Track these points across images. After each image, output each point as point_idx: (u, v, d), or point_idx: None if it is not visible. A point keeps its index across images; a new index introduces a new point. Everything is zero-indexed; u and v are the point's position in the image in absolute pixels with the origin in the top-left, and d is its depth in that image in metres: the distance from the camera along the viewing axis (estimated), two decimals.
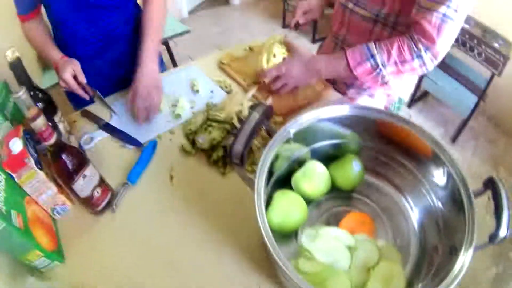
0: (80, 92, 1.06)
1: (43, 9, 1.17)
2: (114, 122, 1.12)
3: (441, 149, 0.73)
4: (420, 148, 0.78)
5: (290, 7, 3.62)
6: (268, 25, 3.91)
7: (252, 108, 0.70)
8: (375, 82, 1.02)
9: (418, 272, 0.73)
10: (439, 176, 0.76)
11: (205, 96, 1.20)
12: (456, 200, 0.69)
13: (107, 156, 1.03)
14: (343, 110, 0.80)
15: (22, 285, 0.78)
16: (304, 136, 0.81)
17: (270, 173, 0.76)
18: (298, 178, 0.83)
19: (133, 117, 1.12)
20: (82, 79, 1.05)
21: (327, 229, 0.76)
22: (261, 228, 0.62)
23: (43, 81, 1.93)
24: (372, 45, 0.98)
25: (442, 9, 0.87)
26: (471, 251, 0.60)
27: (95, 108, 1.16)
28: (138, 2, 1.31)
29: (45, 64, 1.99)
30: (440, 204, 0.76)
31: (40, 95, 0.90)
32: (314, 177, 0.83)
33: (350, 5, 1.11)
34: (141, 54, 1.13)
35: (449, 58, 2.42)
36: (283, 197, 0.78)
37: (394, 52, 0.95)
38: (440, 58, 0.95)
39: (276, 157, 0.76)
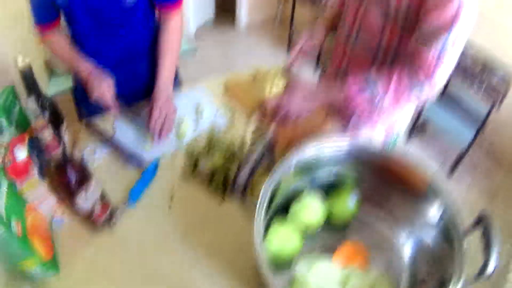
0: (112, 106, 1.10)
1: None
2: (117, 136, 1.13)
3: (438, 182, 0.77)
4: (417, 181, 0.81)
5: (296, 31, 3.67)
6: (273, 50, 3.95)
7: (256, 140, 0.76)
8: (372, 112, 1.04)
9: None
10: (434, 209, 0.79)
11: (208, 120, 1.22)
12: (448, 235, 0.72)
13: (109, 171, 1.04)
14: (342, 143, 0.85)
15: None
16: (303, 167, 0.84)
17: (270, 201, 0.77)
18: (296, 209, 0.86)
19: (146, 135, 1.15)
20: (113, 97, 1.10)
21: (320, 261, 0.80)
22: (258, 257, 0.64)
23: (50, 87, 1.95)
24: (372, 73, 0.99)
25: (442, 39, 0.89)
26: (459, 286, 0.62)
27: (101, 121, 1.18)
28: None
29: (52, 71, 2.01)
30: (432, 239, 0.79)
31: (47, 104, 0.92)
32: (311, 209, 0.86)
33: (351, 40, 1.15)
34: (157, 83, 1.18)
35: (449, 89, 2.46)
36: (280, 228, 0.81)
37: (394, 80, 0.96)
38: (437, 88, 0.96)
39: (277, 185, 0.78)
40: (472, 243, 0.68)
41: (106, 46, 1.21)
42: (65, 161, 0.78)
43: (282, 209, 0.86)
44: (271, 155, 0.79)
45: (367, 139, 0.89)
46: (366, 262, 0.83)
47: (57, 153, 0.75)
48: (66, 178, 0.78)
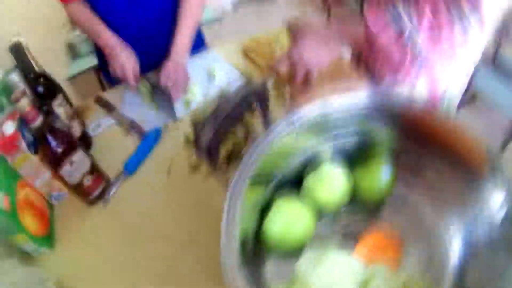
0: (132, 82, 1.07)
1: None
2: (125, 109, 1.09)
3: (499, 165, 0.52)
4: (471, 159, 0.57)
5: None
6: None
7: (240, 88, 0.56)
8: (405, 54, 0.79)
9: None
10: (496, 198, 0.54)
11: (221, 84, 1.10)
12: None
13: (111, 144, 0.99)
14: (371, 97, 0.62)
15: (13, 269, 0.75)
16: (319, 128, 0.64)
17: (271, 174, 0.63)
18: (310, 183, 0.66)
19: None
20: (136, 72, 1.08)
21: (334, 254, 0.59)
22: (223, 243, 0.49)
23: (70, 69, 1.99)
24: (398, 3, 0.76)
25: None
26: None
27: (110, 93, 1.15)
28: None
29: (75, 53, 2.05)
30: (492, 239, 0.55)
31: (41, 79, 0.88)
32: (331, 183, 0.65)
33: None
34: (173, 48, 1.13)
35: (499, 56, 2.17)
36: (285, 206, 0.63)
37: (428, 12, 0.72)
38: (489, 24, 0.72)
39: (279, 153, 0.61)
40: None
41: (130, 15, 1.16)
42: (48, 131, 0.73)
43: (293, 184, 0.67)
44: (264, 109, 0.60)
45: (405, 91, 0.69)
46: (399, 257, 0.61)
47: (37, 123, 0.70)
48: (49, 148, 0.73)
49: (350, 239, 0.64)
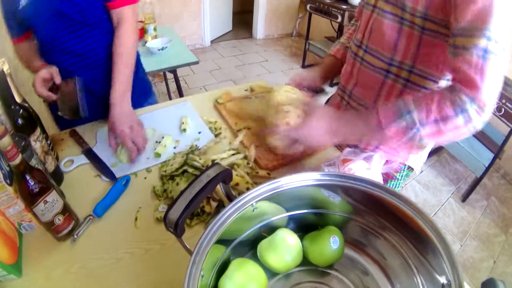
0: (45, 94, 1.08)
1: None
2: (97, 149, 1.11)
3: (440, 239, 0.59)
4: (416, 231, 0.64)
5: (311, 46, 3.65)
6: (288, 64, 3.94)
7: (209, 166, 0.62)
8: (410, 146, 0.88)
9: None
10: (434, 270, 0.62)
11: (191, 137, 1.15)
12: None
13: (82, 183, 1.01)
14: (329, 178, 0.70)
15: None
16: (281, 199, 0.72)
17: (230, 236, 0.69)
18: (262, 247, 0.73)
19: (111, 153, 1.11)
20: (57, 79, 1.09)
21: None
22: None
23: None
24: (408, 100, 0.81)
25: (482, 42, 0.71)
26: None
27: (83, 130, 1.17)
28: None
29: None
30: None
31: (20, 111, 0.90)
32: (282, 249, 0.72)
33: (361, 53, 1.04)
34: (112, 95, 1.11)
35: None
36: (240, 267, 0.68)
37: (434, 107, 0.77)
38: (488, 110, 0.75)
39: (241, 220, 0.67)
40: None
41: (72, 46, 1.19)
42: (26, 170, 0.76)
43: (249, 244, 0.75)
44: (227, 189, 0.66)
45: (361, 177, 0.71)
46: None
47: (17, 161, 0.74)
48: (26, 187, 0.76)
49: None
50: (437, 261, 0.59)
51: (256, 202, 0.66)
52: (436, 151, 2.80)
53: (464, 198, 2.47)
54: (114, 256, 0.85)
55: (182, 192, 0.57)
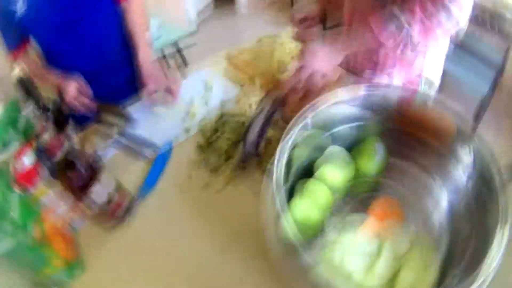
0: (83, 108, 1.09)
1: None
2: (128, 130, 1.11)
3: (467, 124, 0.69)
4: (443, 125, 0.73)
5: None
6: (275, 28, 3.87)
7: (263, 99, 0.70)
8: (405, 47, 0.92)
9: (450, 260, 0.68)
10: (465, 153, 0.71)
11: (218, 94, 1.20)
12: (485, 178, 0.64)
13: (121, 166, 1.01)
14: (359, 90, 0.76)
15: None
16: (322, 122, 0.77)
17: (289, 165, 0.72)
18: (319, 164, 0.79)
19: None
20: (88, 90, 1.09)
21: (353, 223, 0.74)
22: (283, 225, 0.57)
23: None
24: (393, 7, 0.90)
25: None
26: (506, 234, 0.55)
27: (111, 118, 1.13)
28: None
29: None
30: (470, 184, 0.70)
31: (50, 107, 0.91)
32: (337, 162, 0.79)
33: None
34: (140, 58, 1.21)
35: (462, 40, 2.36)
36: (307, 187, 0.75)
37: (417, 9, 0.86)
38: (466, 8, 0.86)
39: (294, 146, 0.72)
40: None
41: (76, 48, 1.19)
42: (73, 158, 0.76)
43: (305, 171, 0.79)
44: (282, 112, 0.75)
45: (385, 83, 0.81)
46: (402, 217, 0.75)
47: (61, 151, 0.73)
48: (76, 174, 0.76)
49: (360, 207, 0.78)
50: (465, 144, 0.71)
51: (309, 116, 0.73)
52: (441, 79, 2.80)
53: (475, 118, 2.48)
54: (172, 230, 0.87)
55: (253, 118, 0.71)
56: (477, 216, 0.67)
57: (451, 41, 1.06)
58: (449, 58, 2.40)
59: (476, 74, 2.35)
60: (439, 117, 0.73)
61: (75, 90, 1.06)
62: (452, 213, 0.74)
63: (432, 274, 0.66)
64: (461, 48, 2.38)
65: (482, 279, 0.51)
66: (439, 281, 0.65)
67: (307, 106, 0.73)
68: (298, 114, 0.72)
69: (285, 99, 0.75)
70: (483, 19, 2.09)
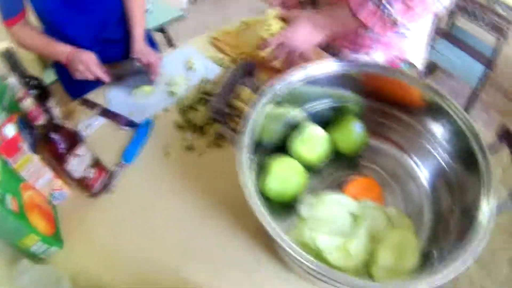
0: (102, 75, 1.10)
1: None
2: (112, 107, 1.12)
3: (443, 98, 0.68)
4: (417, 100, 0.72)
5: None
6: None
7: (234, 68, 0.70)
8: (384, 25, 0.89)
9: (434, 240, 0.67)
10: (443, 128, 0.70)
11: (200, 73, 1.19)
12: (467, 152, 0.63)
13: (104, 140, 1.01)
14: (331, 66, 0.76)
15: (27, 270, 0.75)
16: (296, 98, 0.77)
17: (261, 140, 0.72)
18: (294, 142, 0.78)
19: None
20: (100, 65, 1.10)
21: (328, 195, 0.71)
22: (247, 191, 0.58)
23: (45, 78, 1.91)
24: None
25: None
26: (489, 211, 0.54)
27: (93, 96, 1.15)
28: None
29: (45, 63, 1.97)
30: (450, 160, 0.70)
31: (33, 82, 0.91)
32: (313, 141, 0.78)
33: None
34: (134, 34, 1.23)
35: (453, 27, 2.39)
36: (280, 163, 0.73)
37: None
38: None
39: (268, 121, 0.71)
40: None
41: (80, 24, 1.18)
42: (52, 128, 0.75)
43: (280, 148, 0.79)
44: (252, 79, 0.74)
45: (357, 59, 0.81)
46: (381, 198, 0.74)
47: (41, 121, 0.73)
48: (54, 145, 0.76)
49: (336, 187, 0.77)
50: (442, 119, 0.71)
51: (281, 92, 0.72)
52: (430, 71, 2.80)
53: (465, 111, 2.50)
54: (154, 197, 0.88)
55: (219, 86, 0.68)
56: (459, 194, 0.66)
57: (437, 31, 1.04)
58: (439, 51, 2.41)
59: (466, 68, 2.36)
60: (412, 91, 0.72)
61: (89, 63, 1.07)
62: (434, 192, 0.74)
63: (413, 256, 0.64)
64: (451, 41, 2.40)
65: (468, 254, 0.51)
66: (423, 262, 0.63)
67: (278, 76, 0.73)
68: (267, 83, 0.71)
69: (254, 68, 0.76)
70: (474, 13, 2.09)
